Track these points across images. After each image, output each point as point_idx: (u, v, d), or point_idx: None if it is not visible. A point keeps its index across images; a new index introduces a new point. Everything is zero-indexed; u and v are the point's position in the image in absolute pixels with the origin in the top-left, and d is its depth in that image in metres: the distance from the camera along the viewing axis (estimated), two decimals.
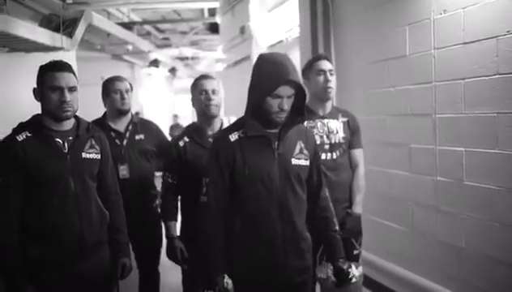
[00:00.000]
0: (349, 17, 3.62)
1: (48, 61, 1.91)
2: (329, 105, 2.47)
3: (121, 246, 2.02)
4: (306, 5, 3.89)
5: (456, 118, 2.62)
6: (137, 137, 2.63)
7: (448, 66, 2.66)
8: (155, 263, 2.74)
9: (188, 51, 11.20)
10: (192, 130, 2.39)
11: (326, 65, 2.41)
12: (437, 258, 2.81)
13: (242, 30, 5.66)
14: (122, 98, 2.61)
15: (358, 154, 2.50)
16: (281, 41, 4.94)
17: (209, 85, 2.34)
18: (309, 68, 2.45)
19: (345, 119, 2.48)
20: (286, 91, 1.67)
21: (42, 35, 4.89)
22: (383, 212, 3.28)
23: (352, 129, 2.48)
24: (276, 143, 1.75)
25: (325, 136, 2.40)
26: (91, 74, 8.02)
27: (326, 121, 2.43)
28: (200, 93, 2.33)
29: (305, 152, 1.81)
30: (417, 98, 2.91)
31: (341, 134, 2.44)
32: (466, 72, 2.53)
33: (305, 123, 2.40)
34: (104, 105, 2.69)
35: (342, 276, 1.81)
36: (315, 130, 2.40)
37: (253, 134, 1.73)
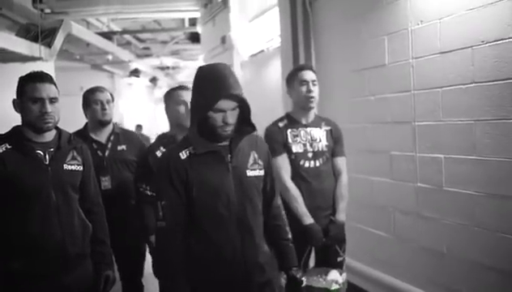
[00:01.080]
0: (329, 26, 3.68)
1: (25, 71, 1.89)
2: (312, 114, 2.51)
3: (104, 258, 1.99)
4: (287, 15, 3.94)
5: (435, 125, 2.69)
6: (119, 148, 2.61)
7: (426, 75, 2.73)
8: (139, 274, 2.71)
9: (169, 61, 11.18)
10: (166, 140, 2.35)
11: (309, 75, 2.45)
12: (419, 263, 2.85)
13: (223, 40, 5.69)
14: (103, 109, 2.59)
15: (341, 162, 2.54)
16: (262, 51, 4.98)
17: (188, 97, 2.33)
18: (292, 78, 2.49)
19: (328, 128, 2.52)
20: (228, 104, 1.61)
21: (20, 45, 4.84)
22: (366, 218, 3.31)
23: (334, 137, 2.52)
24: (229, 156, 1.69)
25: (308, 144, 2.44)
26: (70, 84, 7.90)
27: (309, 129, 2.48)
28: (177, 104, 2.32)
29: (259, 161, 1.76)
30: (397, 106, 2.97)
31: (324, 142, 2.48)
32: (443, 81, 2.60)
33: (289, 132, 2.46)
34: (86, 115, 2.66)
35: (295, 285, 1.79)
36: (298, 139, 2.43)
37: (203, 150, 1.67)
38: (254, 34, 5.21)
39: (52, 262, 1.82)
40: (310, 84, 2.42)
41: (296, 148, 2.43)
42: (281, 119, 2.52)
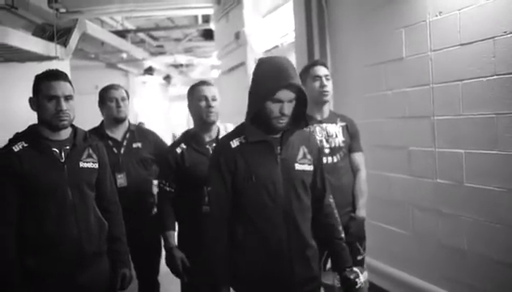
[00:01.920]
0: (344, 20, 3.62)
1: (42, 70, 1.90)
2: (326, 110, 2.50)
3: (120, 257, 1.99)
4: (301, 9, 3.90)
5: (455, 119, 2.62)
6: (134, 145, 2.62)
7: (445, 67, 2.66)
8: (155, 273, 2.71)
9: (182, 58, 11.19)
10: (189, 136, 2.36)
11: (321, 70, 2.45)
12: (439, 261, 2.79)
13: (237, 36, 5.65)
14: (118, 106, 2.59)
15: (359, 158, 2.50)
16: (276, 46, 4.94)
17: (208, 92, 2.31)
18: (305, 74, 2.48)
19: (343, 123, 2.50)
20: (286, 95, 1.63)
21: (36, 44, 4.87)
22: (384, 215, 3.26)
23: (351, 133, 2.49)
24: (279, 148, 1.70)
25: (324, 140, 2.42)
26: (85, 83, 7.99)
27: (324, 125, 2.45)
28: (199, 100, 2.31)
29: (309, 156, 1.77)
30: (415, 101, 2.91)
31: (341, 138, 2.45)
32: (463, 73, 2.53)
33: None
34: (102, 113, 2.67)
35: (349, 286, 1.76)
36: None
37: (255, 139, 1.69)
38: (268, 30, 5.17)
39: (68, 260, 1.82)
40: (323, 79, 2.41)
41: None
42: None
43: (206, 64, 10.78)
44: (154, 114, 11.90)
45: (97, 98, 2.69)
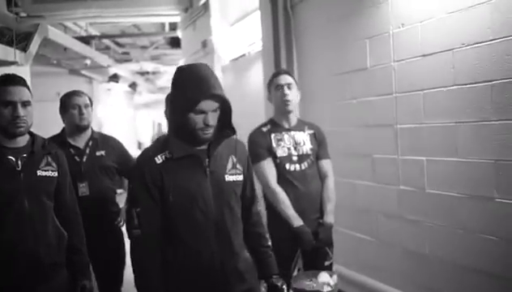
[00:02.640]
0: (311, 29, 3.68)
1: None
2: (293, 118, 2.53)
3: (80, 268, 1.92)
4: (268, 18, 3.94)
5: (417, 128, 2.69)
6: (97, 153, 2.53)
7: (407, 77, 2.74)
8: (118, 283, 2.62)
9: (149, 66, 11.05)
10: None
11: (283, 79, 2.49)
12: (404, 266, 2.85)
13: (204, 44, 5.65)
14: (81, 113, 2.51)
15: (326, 165, 2.54)
16: (244, 55, 4.96)
17: None
18: (270, 84, 2.55)
19: (311, 131, 2.54)
20: (209, 105, 1.54)
21: None
22: (349, 222, 3.30)
23: (318, 140, 2.54)
24: (207, 160, 1.62)
25: (292, 148, 2.45)
26: (47, 89, 7.76)
27: (292, 133, 2.49)
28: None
29: (238, 166, 1.70)
30: (379, 109, 2.98)
31: (308, 145, 2.49)
32: (424, 83, 2.61)
33: (272, 136, 2.45)
34: (63, 120, 2.58)
35: None
36: (282, 143, 2.45)
37: (181, 154, 1.59)
38: (236, 38, 5.19)
39: (26, 272, 1.74)
40: (285, 88, 2.45)
41: (281, 152, 2.44)
42: (265, 124, 2.54)
43: (173, 72, 10.67)
44: (119, 122, 11.67)
45: (59, 105, 2.59)
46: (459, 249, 2.46)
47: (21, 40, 5.36)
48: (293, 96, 2.47)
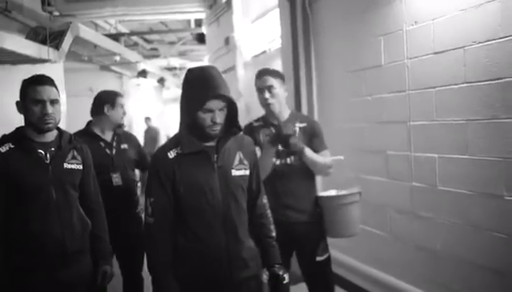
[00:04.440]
0: (328, 27, 3.72)
1: (35, 72, 1.98)
2: (284, 113, 2.51)
3: (102, 254, 2.07)
4: (286, 16, 3.99)
5: (429, 125, 2.72)
6: (122, 146, 2.74)
7: (420, 75, 2.76)
8: (139, 268, 2.78)
9: (176, 61, 11.27)
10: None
11: (263, 82, 2.45)
12: (415, 262, 2.88)
13: (227, 41, 5.75)
14: (124, 113, 2.73)
15: (324, 156, 2.49)
16: (264, 52, 5.03)
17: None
18: (255, 85, 2.51)
19: (303, 125, 2.50)
20: (216, 104, 1.68)
21: (29, 47, 4.95)
22: (363, 217, 3.33)
23: (310, 133, 2.49)
24: (215, 156, 1.76)
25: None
26: (79, 85, 8.07)
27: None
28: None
29: (245, 162, 1.83)
30: (393, 106, 3.01)
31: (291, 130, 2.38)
32: (436, 81, 2.63)
33: (261, 131, 2.44)
34: (101, 116, 2.71)
35: (277, 282, 1.82)
36: (269, 138, 2.41)
37: (190, 150, 1.73)
38: (257, 35, 5.26)
39: (51, 258, 1.90)
40: (266, 92, 2.43)
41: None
42: (258, 119, 2.56)
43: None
44: (148, 116, 11.95)
45: (91, 100, 2.76)
46: (469, 246, 2.48)
47: (54, 39, 5.60)
48: (275, 96, 2.44)
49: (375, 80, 3.16)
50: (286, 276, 1.83)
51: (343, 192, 2.50)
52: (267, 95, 2.44)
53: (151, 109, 13.09)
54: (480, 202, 2.40)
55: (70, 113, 5.36)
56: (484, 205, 2.38)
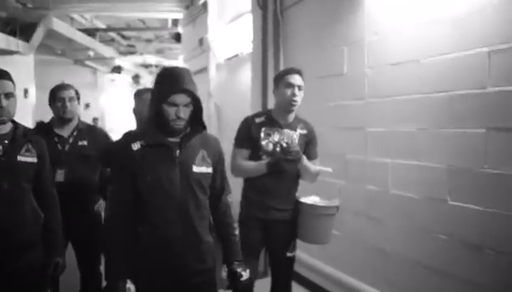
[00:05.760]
0: (298, 34, 3.82)
1: (3, 64, 2.00)
2: (291, 116, 2.52)
3: (54, 246, 2.09)
4: (258, 21, 4.07)
5: (384, 132, 2.85)
6: (80, 143, 2.70)
7: (378, 84, 2.89)
8: (97, 263, 2.79)
9: (152, 59, 11.23)
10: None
11: (296, 80, 2.45)
12: (368, 262, 3.01)
13: (201, 42, 5.80)
14: (64, 106, 2.67)
15: (314, 163, 2.57)
16: (237, 55, 5.08)
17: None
18: (280, 79, 2.50)
19: (304, 131, 2.53)
20: (181, 99, 1.73)
21: None
22: None
23: (308, 140, 2.55)
24: (177, 151, 1.81)
25: (278, 145, 2.44)
26: (52, 78, 7.95)
27: (283, 131, 2.48)
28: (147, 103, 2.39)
29: (208, 159, 1.88)
30: (352, 113, 3.13)
31: (295, 144, 2.44)
32: (392, 90, 2.76)
33: (263, 129, 2.45)
34: (52, 111, 2.75)
35: (235, 278, 1.90)
36: (270, 138, 2.45)
37: (154, 142, 1.78)
38: (230, 38, 5.32)
39: (3, 249, 1.91)
40: (296, 89, 2.45)
41: (266, 146, 2.45)
42: (260, 115, 2.55)
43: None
44: (122, 111, 11.87)
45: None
46: (415, 247, 2.62)
47: (25, 31, 5.54)
48: (301, 98, 2.47)
49: (338, 87, 3.27)
50: (244, 273, 1.89)
51: (324, 202, 2.54)
52: (297, 92, 2.45)
53: (125, 104, 12.99)
54: (426, 205, 2.54)
55: (42, 106, 5.30)
56: (430, 209, 2.52)
